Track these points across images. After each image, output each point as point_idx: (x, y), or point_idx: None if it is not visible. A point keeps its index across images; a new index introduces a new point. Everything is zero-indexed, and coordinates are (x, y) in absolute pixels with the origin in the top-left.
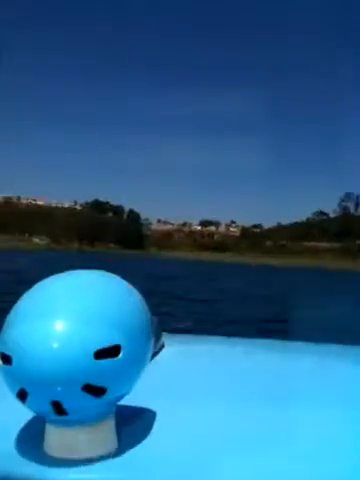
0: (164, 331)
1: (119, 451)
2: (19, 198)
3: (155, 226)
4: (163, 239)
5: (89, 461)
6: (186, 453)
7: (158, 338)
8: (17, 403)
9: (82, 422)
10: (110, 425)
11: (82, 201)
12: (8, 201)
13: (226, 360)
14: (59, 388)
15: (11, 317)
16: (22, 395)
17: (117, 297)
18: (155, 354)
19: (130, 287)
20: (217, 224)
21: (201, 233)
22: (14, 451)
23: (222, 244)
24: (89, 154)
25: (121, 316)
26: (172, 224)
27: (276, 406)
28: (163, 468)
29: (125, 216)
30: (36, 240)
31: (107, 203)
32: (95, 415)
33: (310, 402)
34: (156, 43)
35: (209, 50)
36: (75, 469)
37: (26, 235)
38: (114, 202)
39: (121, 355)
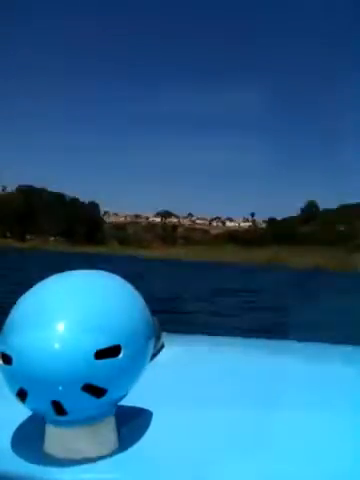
0: (164, 331)
1: (119, 451)
2: None
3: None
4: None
5: (89, 461)
6: (186, 453)
7: (158, 338)
8: (17, 403)
9: (82, 422)
10: (110, 425)
11: (14, 188)
12: None
13: (226, 360)
14: (59, 388)
15: (12, 317)
16: (22, 395)
17: (117, 297)
18: (155, 354)
19: (130, 287)
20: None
21: (163, 226)
22: (14, 451)
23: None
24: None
25: (121, 316)
26: (124, 216)
27: (277, 406)
28: (163, 468)
29: (67, 202)
30: None
31: (43, 190)
32: (95, 415)
33: (311, 403)
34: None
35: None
36: (75, 469)
37: None
38: (52, 189)
39: (121, 355)
